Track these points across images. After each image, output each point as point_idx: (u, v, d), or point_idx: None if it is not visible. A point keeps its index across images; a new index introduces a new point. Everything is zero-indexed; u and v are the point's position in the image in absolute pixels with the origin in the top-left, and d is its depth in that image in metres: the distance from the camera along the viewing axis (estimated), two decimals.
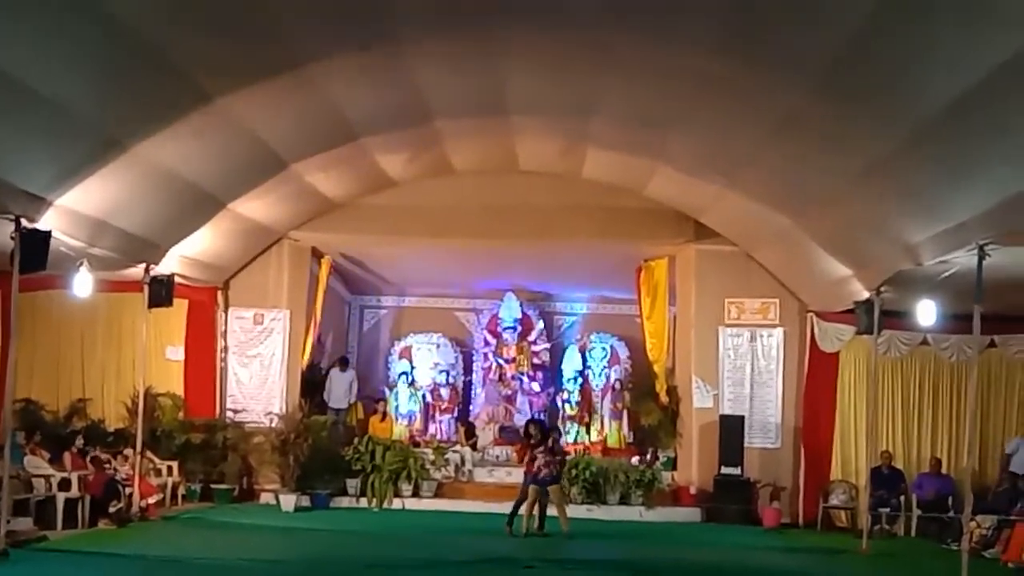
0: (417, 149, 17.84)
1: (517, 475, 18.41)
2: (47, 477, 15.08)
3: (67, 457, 15.96)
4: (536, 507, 16.08)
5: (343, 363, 22.35)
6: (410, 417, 23.35)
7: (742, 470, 18.96)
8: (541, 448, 16.20)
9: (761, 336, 19.79)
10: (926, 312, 15.39)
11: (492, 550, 14.41)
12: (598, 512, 18.69)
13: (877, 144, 12.07)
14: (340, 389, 21.87)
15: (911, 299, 15.43)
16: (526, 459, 16.55)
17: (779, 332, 19.78)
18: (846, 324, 18.04)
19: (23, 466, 14.85)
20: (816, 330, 19.25)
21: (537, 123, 16.63)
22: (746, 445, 19.14)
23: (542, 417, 21.55)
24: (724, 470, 18.93)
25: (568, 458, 18.33)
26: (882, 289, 15.35)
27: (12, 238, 12.24)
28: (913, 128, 11.07)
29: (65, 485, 15.16)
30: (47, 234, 12.55)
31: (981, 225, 11.58)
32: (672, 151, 16.33)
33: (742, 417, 19.28)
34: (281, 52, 12.28)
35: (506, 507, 16.71)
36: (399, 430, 22.48)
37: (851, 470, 18.96)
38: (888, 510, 18.05)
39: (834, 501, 18.80)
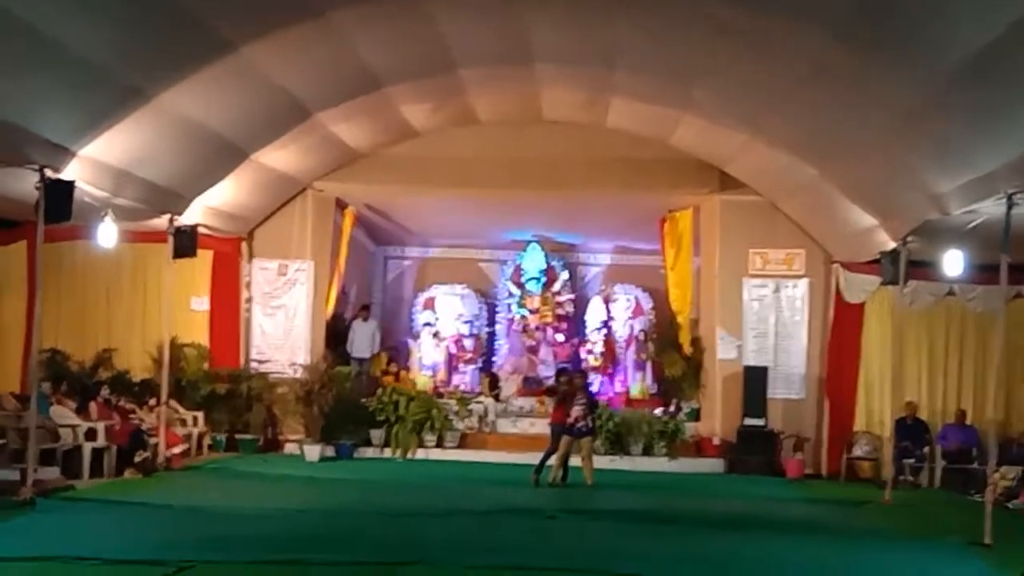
0: (441, 98, 17.75)
1: (540, 426, 18.56)
2: (73, 427, 15.17)
3: (93, 407, 16.05)
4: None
5: (365, 312, 22.34)
6: (434, 368, 23.39)
7: (766, 421, 18.97)
8: (581, 398, 16.20)
9: (786, 287, 19.72)
10: (952, 262, 15.24)
11: (515, 500, 14.46)
12: (621, 463, 18.73)
13: (905, 93, 11.92)
14: (363, 339, 21.86)
15: (937, 249, 15.29)
16: (554, 408, 16.58)
17: (804, 283, 19.70)
18: (872, 275, 17.93)
19: (49, 416, 14.95)
20: (841, 281, 19.18)
21: (561, 72, 16.49)
22: (770, 396, 19.13)
23: (578, 367, 21.33)
24: (747, 421, 18.94)
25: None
26: (908, 239, 15.22)
27: (36, 188, 12.25)
28: (942, 77, 10.93)
29: (91, 435, 15.26)
30: (71, 184, 12.57)
31: (1010, 174, 11.44)
32: (697, 100, 16.19)
33: (766, 368, 19.25)
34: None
35: (529, 457, 16.80)
36: (423, 381, 22.53)
37: (875, 421, 18.96)
38: (912, 461, 18.02)
39: (858, 452, 18.79)
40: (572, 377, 17.14)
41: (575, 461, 16.18)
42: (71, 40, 10.85)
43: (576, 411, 15.98)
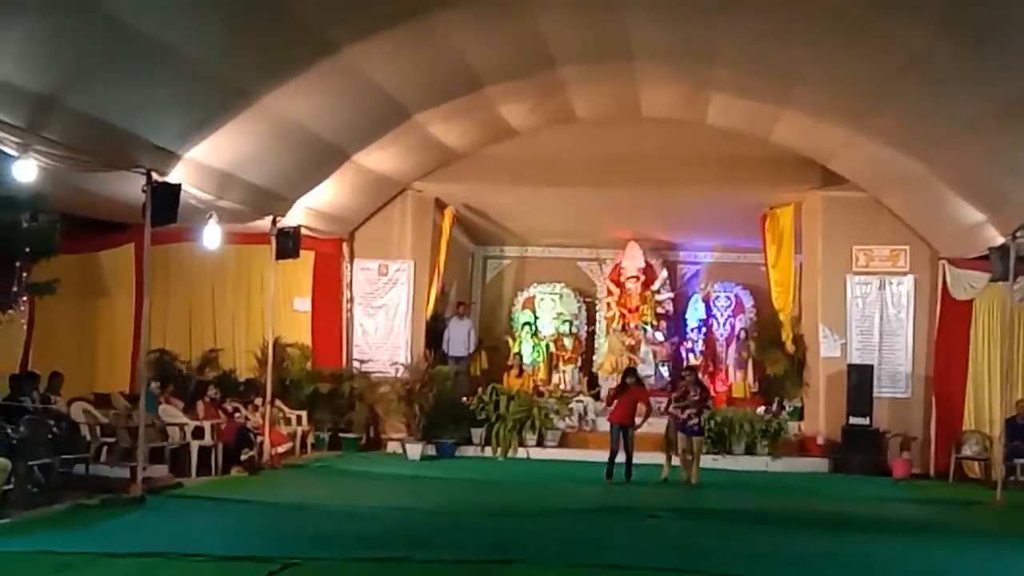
0: (540, 97, 17.74)
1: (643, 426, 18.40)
2: (181, 426, 15.46)
3: (200, 406, 16.33)
4: (626, 452, 16.10)
5: (460, 311, 22.40)
6: (533, 367, 23.39)
7: (871, 420, 18.67)
8: (694, 395, 16.14)
9: (890, 284, 19.42)
10: None
11: (617, 499, 14.44)
12: (724, 462, 18.55)
13: (1009, 81, 11.68)
14: (459, 337, 21.91)
15: None
16: (614, 408, 16.56)
17: (909, 279, 19.38)
18: (980, 271, 17.55)
19: (158, 415, 15.24)
20: (948, 277, 18.83)
21: (661, 69, 16.39)
22: (875, 395, 18.84)
23: (692, 366, 21.16)
24: (852, 420, 18.66)
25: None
26: (1018, 234, 14.87)
27: (144, 192, 12.48)
28: None
29: (198, 434, 15.53)
30: (177, 187, 12.80)
31: None
32: (797, 96, 16.00)
33: (871, 366, 18.96)
34: (404, 1, 12.31)
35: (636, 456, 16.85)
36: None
37: (984, 420, 18.56)
38: (1023, 461, 17.62)
39: (967, 452, 18.42)
40: (625, 378, 17.13)
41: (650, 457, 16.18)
42: (177, 44, 11.05)
43: (690, 409, 15.92)
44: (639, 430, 16.36)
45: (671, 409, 16.43)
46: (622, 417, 16.26)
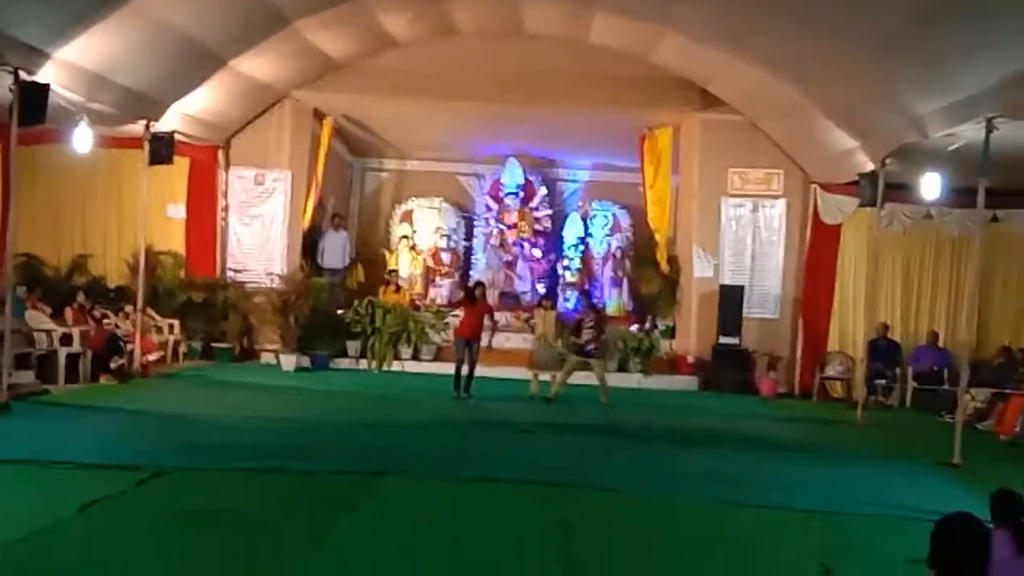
0: (421, 7, 17.55)
1: (516, 340, 18.62)
2: (48, 332, 15.13)
3: (68, 312, 16.03)
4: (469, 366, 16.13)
5: (335, 223, 22.21)
6: (410, 281, 23.36)
7: (740, 340, 19.10)
8: (590, 320, 16.23)
9: (764, 207, 19.76)
10: (930, 185, 15.31)
11: (490, 414, 14.61)
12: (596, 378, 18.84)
13: (889, 15, 11.89)
14: (334, 249, 21.79)
15: (916, 172, 15.36)
16: (570, 331, 16.71)
17: (782, 203, 19.74)
18: (849, 196, 17.95)
19: (24, 320, 14.90)
20: (819, 202, 19.22)
21: None
22: (745, 315, 19.26)
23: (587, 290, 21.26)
24: (723, 339, 19.08)
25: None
26: (887, 161, 15.26)
27: (11, 90, 12.11)
28: None
29: (67, 340, 15.24)
30: (46, 87, 12.43)
31: (990, 98, 11.46)
32: (680, 17, 16.07)
33: (742, 287, 19.36)
34: None
35: (506, 372, 17.07)
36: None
37: (848, 342, 19.12)
38: (884, 382, 18.24)
39: (831, 372, 18.98)
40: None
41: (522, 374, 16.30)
42: None
43: (587, 333, 16.05)
44: (488, 344, 16.34)
45: (570, 337, 16.59)
46: (468, 331, 16.24)
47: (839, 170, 17.73)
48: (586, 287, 21.70)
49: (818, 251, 19.36)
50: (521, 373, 16.97)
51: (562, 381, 16.17)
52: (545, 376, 16.44)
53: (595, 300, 17.81)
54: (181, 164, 18.86)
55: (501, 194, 23.87)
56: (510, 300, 22.42)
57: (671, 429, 14.38)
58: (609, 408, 15.85)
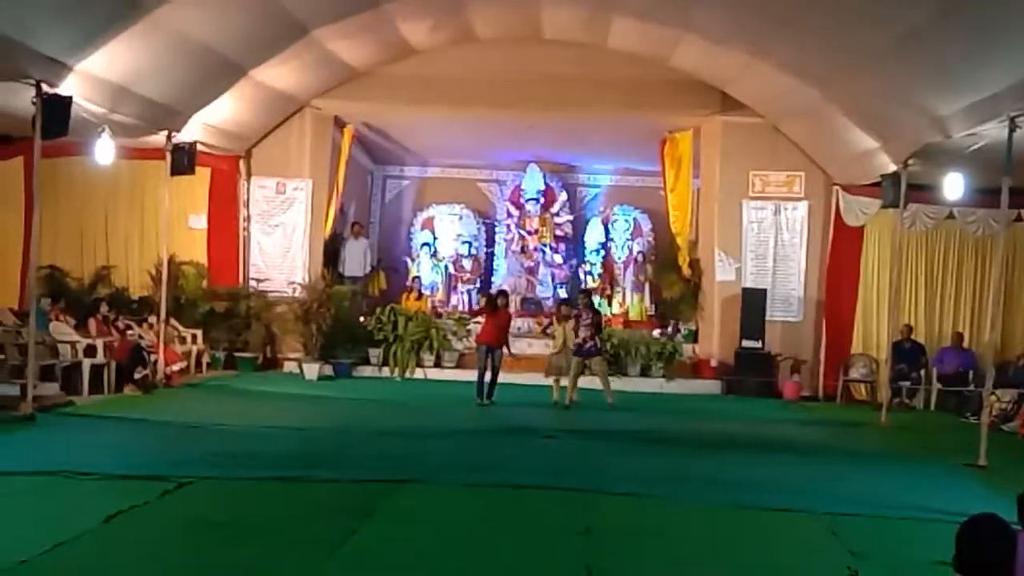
0: (440, 15, 17.58)
1: (538, 346, 18.60)
2: (72, 343, 15.20)
3: (92, 324, 16.09)
4: (560, 380, 16.18)
5: (355, 231, 22.19)
6: (432, 288, 23.39)
7: (763, 343, 19.04)
8: (586, 318, 16.18)
9: (785, 209, 19.68)
10: (953, 185, 15.25)
11: (513, 420, 14.58)
12: (619, 384, 18.65)
13: (909, 14, 11.82)
14: (354, 258, 21.77)
15: (938, 172, 15.28)
16: (482, 328, 16.65)
17: (804, 205, 19.66)
18: (872, 197, 17.91)
19: (48, 332, 14.98)
20: (841, 203, 19.15)
21: None
22: (768, 318, 19.19)
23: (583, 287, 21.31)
24: (745, 343, 19.01)
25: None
26: (909, 162, 15.18)
27: (33, 103, 12.15)
28: None
29: (90, 351, 15.30)
30: (68, 99, 12.46)
31: (1013, 96, 11.39)
32: (699, 19, 16.04)
33: (764, 290, 19.29)
34: None
35: (527, 378, 17.02)
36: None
37: (872, 344, 19.04)
38: (908, 384, 18.16)
39: (854, 375, 18.91)
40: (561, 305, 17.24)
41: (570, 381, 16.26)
42: None
43: (583, 332, 16.01)
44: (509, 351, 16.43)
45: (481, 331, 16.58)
46: (490, 338, 16.25)
47: (861, 171, 17.66)
48: (584, 286, 21.64)
49: (841, 253, 19.28)
50: (544, 379, 16.91)
51: (572, 386, 16.11)
52: (565, 382, 16.41)
53: (589, 295, 17.58)
54: (203, 174, 18.95)
55: (522, 200, 23.89)
56: (532, 306, 22.41)
57: (694, 433, 14.32)
58: (599, 410, 15.79)
